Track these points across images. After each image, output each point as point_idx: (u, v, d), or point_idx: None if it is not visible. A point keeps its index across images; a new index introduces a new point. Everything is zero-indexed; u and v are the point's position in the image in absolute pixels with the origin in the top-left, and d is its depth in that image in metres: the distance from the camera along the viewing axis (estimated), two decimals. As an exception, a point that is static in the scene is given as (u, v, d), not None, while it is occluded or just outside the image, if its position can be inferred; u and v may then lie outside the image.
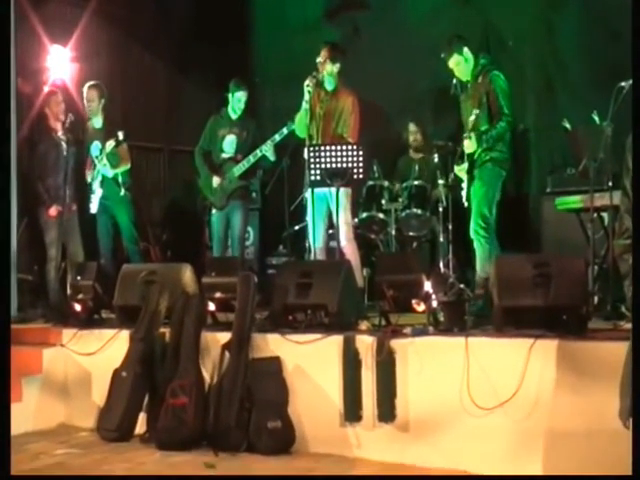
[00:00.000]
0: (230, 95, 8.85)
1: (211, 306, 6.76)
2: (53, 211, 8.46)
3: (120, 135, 8.73)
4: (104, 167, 8.88)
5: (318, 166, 7.47)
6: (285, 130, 8.45)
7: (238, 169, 8.73)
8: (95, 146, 9.08)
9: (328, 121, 8.10)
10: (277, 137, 8.55)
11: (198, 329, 6.43)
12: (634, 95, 3.61)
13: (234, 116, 8.93)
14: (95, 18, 9.93)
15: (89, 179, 9.07)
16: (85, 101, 9.09)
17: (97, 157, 9.02)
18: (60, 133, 8.65)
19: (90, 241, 9.02)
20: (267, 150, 8.60)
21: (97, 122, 9.16)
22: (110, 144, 8.78)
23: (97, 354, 6.91)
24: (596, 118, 7.11)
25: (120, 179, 8.99)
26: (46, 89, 9.18)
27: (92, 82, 9.13)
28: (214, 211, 8.93)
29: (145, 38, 10.73)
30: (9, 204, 6.95)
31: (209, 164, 8.93)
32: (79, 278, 7.53)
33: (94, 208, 9.03)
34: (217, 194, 8.81)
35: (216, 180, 8.76)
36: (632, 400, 3.50)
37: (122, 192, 9.00)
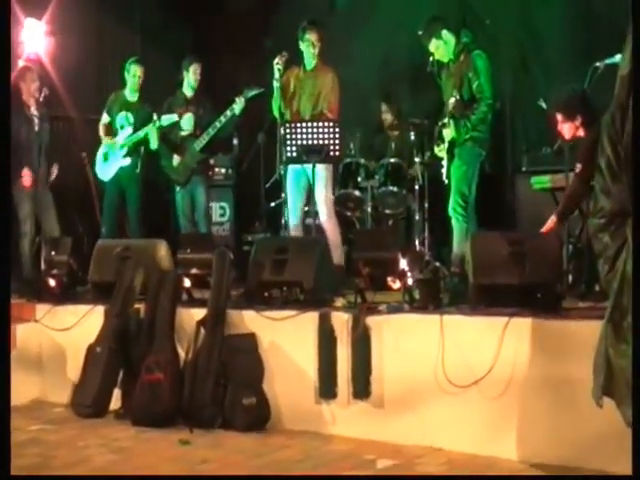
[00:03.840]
0: (185, 71, 9.01)
1: (186, 282, 6.74)
2: (27, 180, 8.37)
3: (155, 117, 8.93)
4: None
5: (294, 142, 7.47)
6: (256, 90, 8.55)
7: (198, 143, 8.85)
8: (122, 117, 9.23)
9: (308, 99, 8.07)
10: (249, 93, 8.63)
11: (173, 305, 6.43)
12: (635, 88, 3.61)
13: (190, 94, 9.14)
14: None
15: (105, 145, 9.24)
16: (130, 76, 9.19)
17: (122, 127, 9.20)
18: (33, 109, 8.58)
19: (66, 216, 8.99)
20: (238, 107, 8.66)
21: (132, 96, 9.29)
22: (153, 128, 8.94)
23: (72, 330, 6.88)
24: (572, 98, 7.12)
25: (141, 157, 9.16)
26: (21, 63, 9.13)
27: (136, 57, 9.30)
28: (177, 188, 9.01)
29: (120, 11, 10.66)
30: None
31: (168, 143, 9.01)
32: (54, 253, 7.51)
33: (106, 175, 9.15)
34: (179, 171, 8.94)
35: (176, 158, 8.95)
36: (632, 399, 3.51)
37: (137, 170, 9.16)
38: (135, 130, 9.09)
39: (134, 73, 9.16)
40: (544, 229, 6.28)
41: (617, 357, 3.71)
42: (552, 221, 6.28)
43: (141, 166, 9.18)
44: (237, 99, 8.62)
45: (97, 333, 6.54)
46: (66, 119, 9.50)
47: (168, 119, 8.94)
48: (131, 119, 9.17)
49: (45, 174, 8.54)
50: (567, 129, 6.31)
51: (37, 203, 8.44)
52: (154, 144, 8.95)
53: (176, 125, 9.04)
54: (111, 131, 9.27)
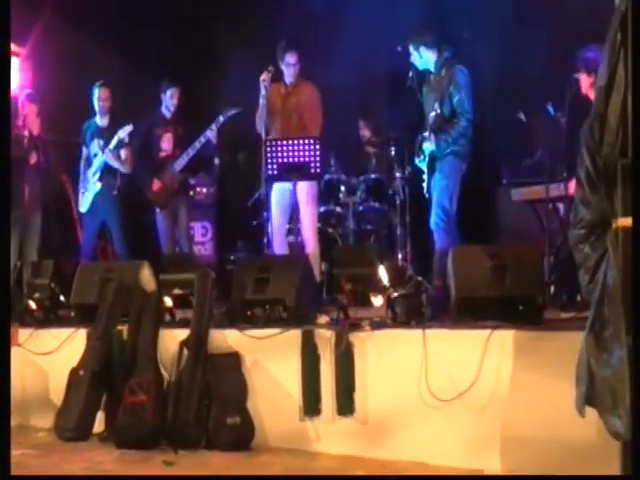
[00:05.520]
0: (162, 94, 8.98)
1: (169, 303, 6.71)
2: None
3: (126, 138, 8.93)
4: (107, 157, 9.02)
5: (275, 161, 7.47)
6: (235, 110, 8.52)
7: (178, 164, 8.82)
8: (94, 144, 9.24)
9: (290, 115, 8.10)
10: (221, 118, 8.64)
11: (156, 326, 6.40)
12: (633, 91, 3.62)
13: (168, 114, 9.06)
14: (50, 16, 9.88)
15: (82, 178, 9.23)
16: (97, 100, 9.21)
17: (95, 154, 9.18)
18: (25, 131, 8.60)
19: (51, 239, 8.97)
20: (211, 134, 8.65)
21: (102, 121, 9.28)
22: (124, 131, 8.92)
23: (54, 353, 6.84)
24: (550, 109, 7.15)
25: (118, 179, 9.08)
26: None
27: (103, 80, 9.27)
28: (157, 210, 8.98)
29: (99, 34, 10.66)
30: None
31: (148, 165, 9.02)
32: (35, 277, 7.48)
33: (84, 207, 9.12)
34: (159, 193, 8.93)
35: (157, 183, 8.87)
36: (631, 401, 3.51)
37: (115, 192, 9.12)
38: None
39: (99, 96, 9.18)
40: None
41: (599, 367, 3.71)
42: None
43: (118, 188, 9.13)
44: (211, 126, 8.63)
45: (80, 356, 6.50)
46: (49, 142, 9.48)
47: (124, 131, 8.93)
48: (102, 144, 9.15)
49: (33, 196, 8.54)
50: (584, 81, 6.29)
51: (24, 226, 8.44)
52: (116, 165, 8.97)
53: (154, 146, 9.02)
54: (89, 162, 9.26)
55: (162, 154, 9.08)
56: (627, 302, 3.58)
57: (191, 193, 9.54)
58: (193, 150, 8.81)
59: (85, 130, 9.36)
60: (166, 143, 9.06)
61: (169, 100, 9.05)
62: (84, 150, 9.36)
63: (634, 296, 3.50)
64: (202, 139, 8.72)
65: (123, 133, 8.93)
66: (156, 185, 8.93)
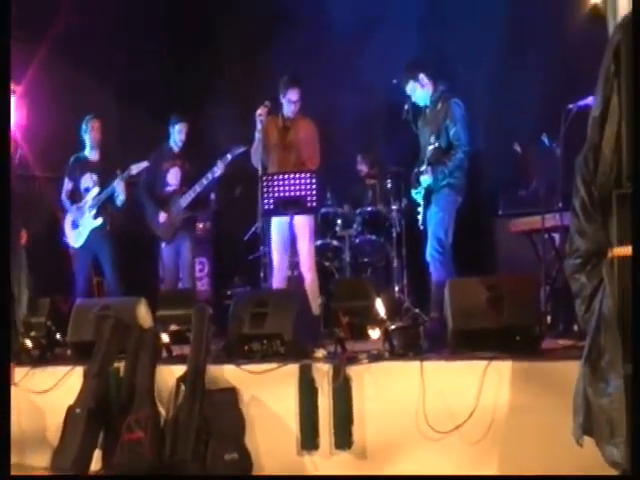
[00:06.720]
0: (171, 128, 8.96)
1: (166, 339, 6.69)
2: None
3: (119, 174, 8.89)
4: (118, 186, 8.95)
5: (271, 195, 7.47)
6: (242, 148, 8.46)
7: (184, 200, 8.77)
8: (86, 178, 9.17)
9: (287, 150, 8.10)
10: (229, 156, 8.59)
11: (153, 363, 6.36)
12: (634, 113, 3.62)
13: (176, 149, 9.03)
14: (47, 54, 9.93)
15: (72, 212, 9.13)
16: (88, 132, 9.18)
17: (87, 189, 9.12)
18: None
19: (44, 275, 8.93)
20: (218, 172, 8.62)
21: (93, 154, 9.25)
22: (137, 167, 8.90)
23: (51, 392, 6.79)
24: (545, 140, 7.17)
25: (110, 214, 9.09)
26: None
27: (96, 114, 9.23)
28: (163, 244, 8.94)
29: (94, 70, 10.70)
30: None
31: (154, 198, 8.97)
32: (31, 315, 7.44)
33: (78, 242, 9.06)
34: (165, 227, 8.84)
35: (163, 216, 8.82)
36: (631, 405, 3.49)
37: (108, 227, 9.08)
38: (102, 189, 9.05)
39: (91, 129, 9.15)
40: None
41: (595, 396, 3.69)
42: None
43: (110, 224, 9.10)
44: (218, 162, 8.61)
45: (76, 394, 6.46)
46: (40, 179, 9.49)
47: (138, 167, 8.89)
48: (96, 178, 9.12)
49: (17, 232, 8.52)
50: None
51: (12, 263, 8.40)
52: (121, 198, 8.92)
53: (161, 180, 9.01)
54: (76, 196, 9.21)
55: (169, 188, 9.04)
56: (624, 331, 3.57)
57: (193, 229, 9.47)
58: (200, 187, 8.76)
59: (73, 163, 9.29)
60: (173, 177, 9.03)
61: (177, 135, 9.03)
62: (67, 183, 9.28)
63: (634, 325, 3.48)
64: (209, 176, 8.67)
65: (136, 169, 8.91)
66: (162, 217, 8.88)
